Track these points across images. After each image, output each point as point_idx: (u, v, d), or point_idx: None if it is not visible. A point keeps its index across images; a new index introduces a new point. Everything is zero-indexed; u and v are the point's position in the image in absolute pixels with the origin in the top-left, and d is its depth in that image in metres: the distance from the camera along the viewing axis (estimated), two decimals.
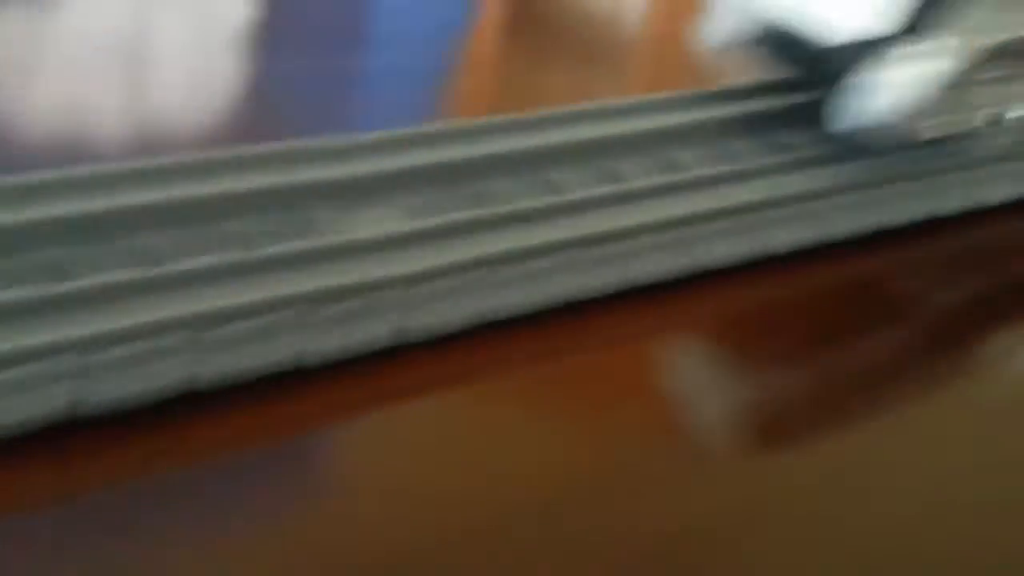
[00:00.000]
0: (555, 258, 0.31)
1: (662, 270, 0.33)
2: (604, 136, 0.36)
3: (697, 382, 0.31)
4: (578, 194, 0.34)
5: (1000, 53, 0.35)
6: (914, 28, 0.34)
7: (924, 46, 0.33)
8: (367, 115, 0.46)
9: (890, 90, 0.33)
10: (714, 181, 0.35)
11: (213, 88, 0.47)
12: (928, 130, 0.35)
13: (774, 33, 0.37)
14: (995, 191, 0.41)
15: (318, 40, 0.53)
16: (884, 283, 0.37)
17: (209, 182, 0.30)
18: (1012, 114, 0.38)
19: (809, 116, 0.37)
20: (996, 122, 0.38)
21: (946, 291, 0.37)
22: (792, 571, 0.24)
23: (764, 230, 0.35)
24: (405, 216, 0.31)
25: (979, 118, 0.37)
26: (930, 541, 0.26)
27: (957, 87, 0.35)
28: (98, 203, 0.27)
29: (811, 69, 0.36)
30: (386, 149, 0.33)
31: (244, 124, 0.43)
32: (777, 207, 0.35)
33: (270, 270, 0.28)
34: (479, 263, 0.30)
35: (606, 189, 0.34)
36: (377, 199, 0.32)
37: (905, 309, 0.36)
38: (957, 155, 0.39)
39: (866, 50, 0.34)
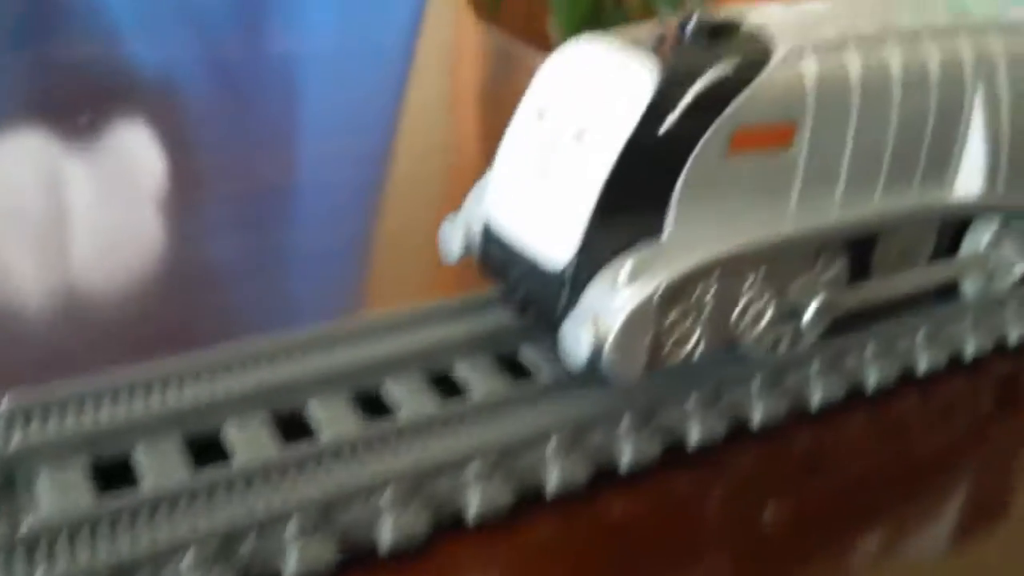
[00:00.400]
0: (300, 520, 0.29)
1: (419, 532, 0.31)
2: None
3: None
4: (332, 434, 0.32)
5: (737, 263, 0.33)
6: (616, 254, 0.32)
7: (636, 271, 0.31)
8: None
9: (598, 319, 0.31)
10: (465, 417, 0.33)
11: (136, 270, 0.47)
12: (677, 353, 0.33)
13: (494, 249, 0.35)
14: (812, 397, 0.38)
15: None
16: (671, 513, 0.34)
17: None
18: (807, 316, 0.36)
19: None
20: (789, 323, 0.36)
21: (748, 516, 0.35)
22: None
23: (532, 470, 0.33)
24: None
25: (758, 329, 0.35)
26: None
27: (707, 304, 0.33)
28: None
29: (523, 292, 0.34)
30: None
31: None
32: (545, 442, 0.33)
33: None
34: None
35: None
36: None
37: (700, 541, 0.33)
38: (758, 364, 0.37)
39: (573, 278, 0.32)
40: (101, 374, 0.33)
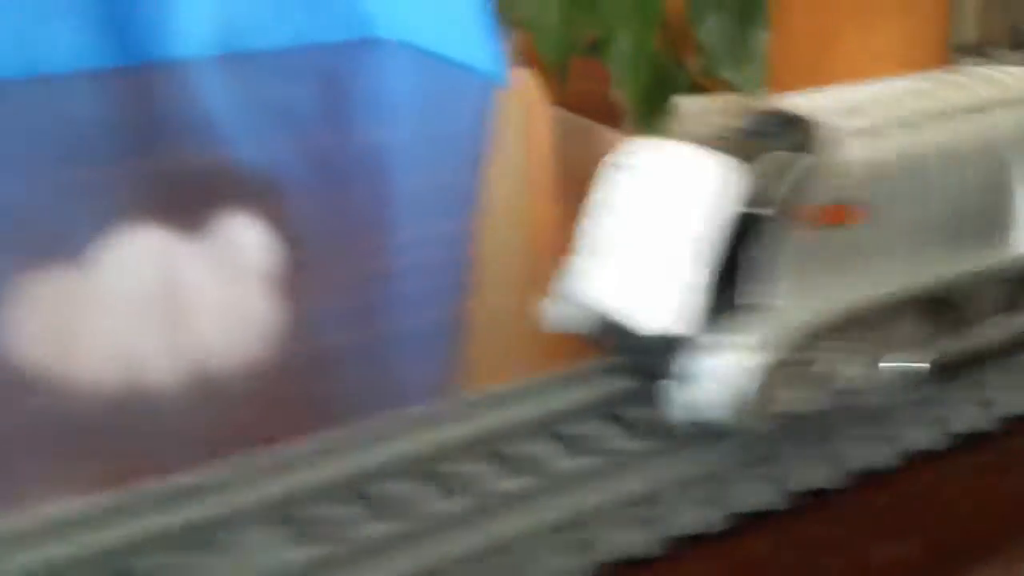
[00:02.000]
0: None
1: None
2: None
3: None
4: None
5: (837, 325, 0.36)
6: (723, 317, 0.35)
7: (743, 334, 0.34)
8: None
9: (714, 378, 0.34)
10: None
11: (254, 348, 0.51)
12: (771, 411, 0.35)
13: (604, 322, 0.38)
14: (919, 442, 0.40)
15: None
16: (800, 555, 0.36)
17: None
18: (912, 368, 0.39)
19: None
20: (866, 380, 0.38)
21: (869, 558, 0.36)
22: None
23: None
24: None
25: (861, 382, 0.38)
26: None
27: (797, 362, 0.36)
28: None
29: (637, 358, 0.37)
30: None
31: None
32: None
33: None
34: None
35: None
36: None
37: None
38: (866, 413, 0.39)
39: (682, 341, 0.35)
40: None
